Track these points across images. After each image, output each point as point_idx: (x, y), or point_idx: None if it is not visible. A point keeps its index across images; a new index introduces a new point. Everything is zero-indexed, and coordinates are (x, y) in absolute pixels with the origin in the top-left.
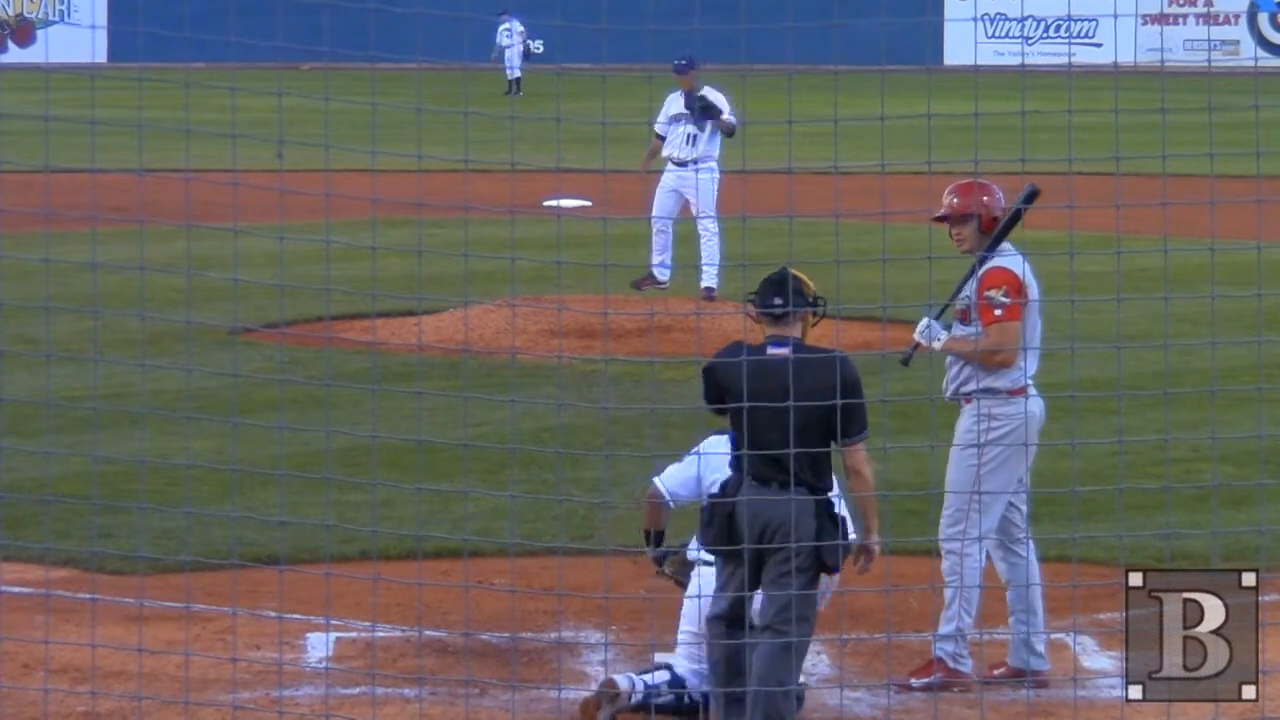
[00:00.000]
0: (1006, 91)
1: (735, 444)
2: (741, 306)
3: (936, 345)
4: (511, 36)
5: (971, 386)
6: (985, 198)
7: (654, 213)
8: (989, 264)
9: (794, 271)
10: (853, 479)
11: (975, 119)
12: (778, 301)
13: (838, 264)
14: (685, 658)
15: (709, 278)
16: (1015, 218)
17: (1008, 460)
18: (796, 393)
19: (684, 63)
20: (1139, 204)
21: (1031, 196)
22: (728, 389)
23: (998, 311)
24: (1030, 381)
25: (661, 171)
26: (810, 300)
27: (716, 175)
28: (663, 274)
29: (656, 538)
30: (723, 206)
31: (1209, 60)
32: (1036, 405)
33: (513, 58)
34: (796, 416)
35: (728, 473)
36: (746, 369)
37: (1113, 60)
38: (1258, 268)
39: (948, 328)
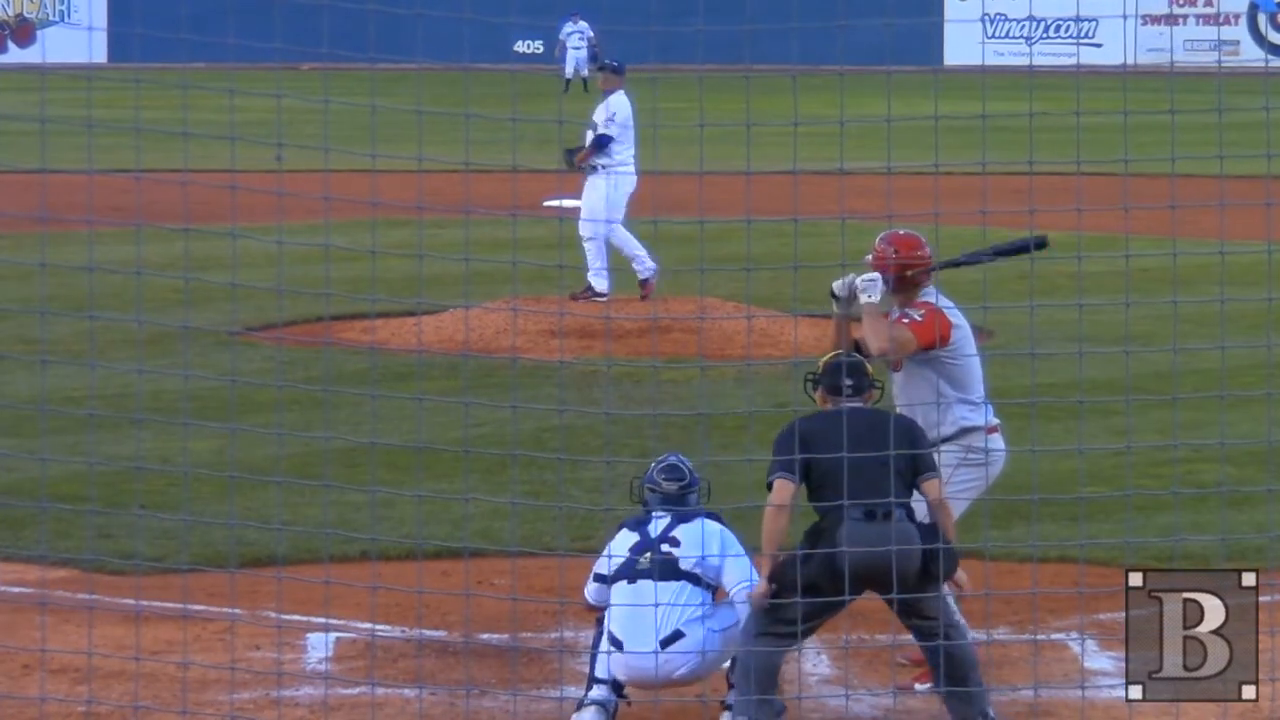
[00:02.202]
0: (1006, 92)
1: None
2: (804, 387)
3: (869, 299)
4: (583, 38)
5: (951, 428)
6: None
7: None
8: (930, 299)
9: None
10: (937, 510)
11: (983, 120)
12: (849, 383)
13: (843, 266)
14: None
15: (642, 271)
16: (1013, 252)
17: (970, 493)
18: (880, 443)
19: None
20: (1148, 205)
21: (1040, 245)
22: (813, 451)
23: (905, 321)
24: (998, 422)
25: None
26: (871, 382)
27: (609, 179)
28: (602, 283)
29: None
30: (616, 210)
31: (1219, 61)
32: (1004, 444)
33: (579, 58)
34: (884, 458)
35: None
36: (831, 426)
37: (1111, 60)
38: (1266, 270)
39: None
